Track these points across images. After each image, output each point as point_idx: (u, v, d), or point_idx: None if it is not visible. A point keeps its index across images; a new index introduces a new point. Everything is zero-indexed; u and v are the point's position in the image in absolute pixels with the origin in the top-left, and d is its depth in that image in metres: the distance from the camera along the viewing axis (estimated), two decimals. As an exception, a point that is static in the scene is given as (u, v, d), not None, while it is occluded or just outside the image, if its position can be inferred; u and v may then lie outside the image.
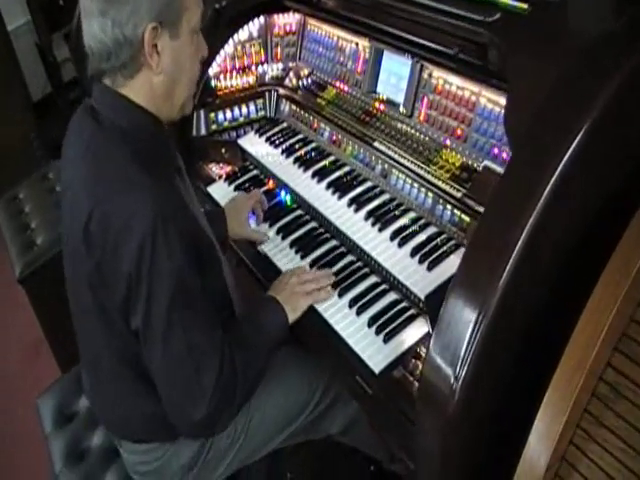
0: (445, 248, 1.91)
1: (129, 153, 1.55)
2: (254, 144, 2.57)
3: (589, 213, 1.46)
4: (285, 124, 2.64)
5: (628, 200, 1.39)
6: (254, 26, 2.69)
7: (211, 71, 2.62)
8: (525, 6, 1.73)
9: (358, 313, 1.90)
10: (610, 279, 1.24)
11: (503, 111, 1.80)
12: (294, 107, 2.61)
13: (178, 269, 1.52)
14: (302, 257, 2.13)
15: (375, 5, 2.14)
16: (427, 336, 1.81)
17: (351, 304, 1.92)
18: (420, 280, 1.85)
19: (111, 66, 1.54)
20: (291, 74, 2.71)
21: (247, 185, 2.49)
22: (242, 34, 2.68)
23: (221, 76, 2.67)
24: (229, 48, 2.66)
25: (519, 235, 1.31)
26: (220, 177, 2.56)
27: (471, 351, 1.34)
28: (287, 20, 2.71)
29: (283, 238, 2.21)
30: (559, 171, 1.31)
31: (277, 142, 2.52)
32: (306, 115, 2.54)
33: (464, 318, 1.35)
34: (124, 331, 1.62)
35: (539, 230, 1.31)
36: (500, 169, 1.87)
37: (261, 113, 2.74)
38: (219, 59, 2.65)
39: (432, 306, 1.78)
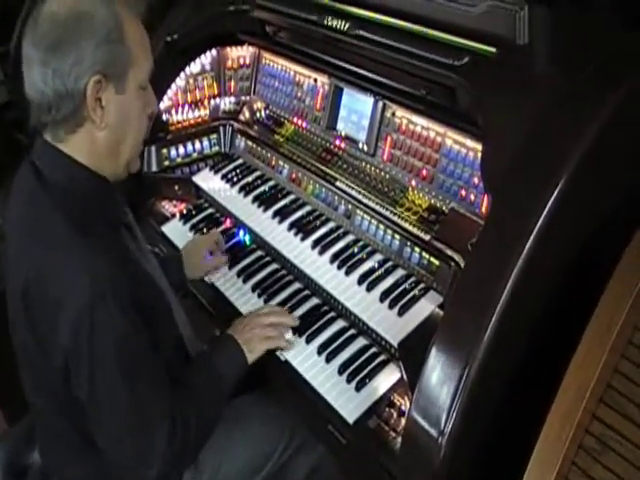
0: (415, 292, 1.94)
1: (69, 216, 1.49)
2: (209, 181, 2.57)
3: (571, 264, 1.52)
4: (241, 160, 2.64)
5: (610, 250, 1.44)
6: (206, 59, 2.71)
7: (162, 105, 2.62)
8: (493, 49, 1.78)
9: (328, 360, 1.91)
10: (594, 334, 1.29)
11: (470, 153, 1.88)
12: (250, 143, 2.63)
13: (120, 339, 1.49)
14: (265, 301, 2.12)
15: (335, 41, 2.17)
16: (400, 382, 1.83)
17: (320, 351, 1.93)
18: (391, 326, 1.87)
19: (52, 119, 1.50)
20: (245, 108, 2.72)
21: (203, 224, 2.48)
22: (194, 67, 2.69)
23: (173, 110, 2.67)
24: (181, 81, 2.67)
25: (502, 289, 1.35)
26: (174, 215, 2.55)
27: (457, 407, 1.37)
28: (240, 53, 2.74)
29: (244, 281, 2.20)
30: (540, 223, 1.36)
31: (234, 179, 2.53)
32: (263, 152, 2.55)
33: (449, 374, 1.38)
34: (66, 398, 1.58)
35: (522, 283, 1.36)
36: (467, 212, 1.92)
37: (215, 149, 2.74)
38: (170, 93, 2.65)
39: (406, 353, 1.82)
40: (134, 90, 1.55)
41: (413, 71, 1.91)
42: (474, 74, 1.75)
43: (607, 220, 1.60)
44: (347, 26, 2.06)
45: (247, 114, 2.70)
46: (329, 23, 2.12)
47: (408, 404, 1.75)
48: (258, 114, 2.64)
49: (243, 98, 2.76)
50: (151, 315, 1.57)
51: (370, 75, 2.13)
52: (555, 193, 1.39)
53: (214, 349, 1.87)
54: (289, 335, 1.98)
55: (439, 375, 1.41)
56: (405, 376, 1.79)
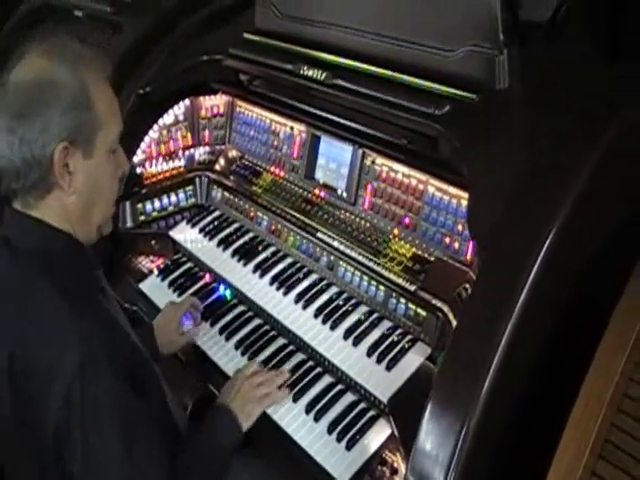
0: (402, 344, 1.95)
1: (48, 285, 1.48)
2: (187, 235, 2.57)
3: (566, 316, 1.53)
4: (218, 212, 2.65)
5: (605, 298, 1.46)
6: (179, 109, 2.72)
7: (136, 158, 2.62)
8: (473, 95, 1.81)
9: (316, 419, 1.90)
10: (592, 389, 1.29)
11: (453, 200, 1.89)
12: (227, 194, 2.63)
13: (114, 402, 1.46)
14: (249, 359, 2.11)
15: (311, 90, 2.19)
16: (391, 438, 1.82)
17: (308, 409, 1.92)
18: (380, 382, 1.87)
19: (21, 186, 1.50)
20: (221, 158, 2.73)
21: (182, 280, 2.47)
22: (167, 118, 2.70)
23: (147, 163, 2.67)
24: (154, 133, 2.67)
25: (497, 347, 1.36)
26: (152, 272, 2.54)
27: (454, 469, 1.37)
28: (214, 102, 2.75)
29: (227, 339, 2.19)
30: (532, 278, 1.38)
31: (212, 232, 2.53)
32: (241, 203, 2.56)
33: (445, 437, 1.39)
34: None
35: (516, 339, 1.38)
36: (453, 260, 1.93)
37: (191, 200, 2.75)
38: (144, 145, 2.65)
39: (396, 409, 1.82)
40: (103, 154, 1.56)
41: (393, 120, 1.93)
42: (456, 123, 1.77)
43: (600, 266, 1.62)
44: (324, 75, 2.09)
45: (223, 164, 2.71)
46: (305, 73, 2.15)
47: (400, 461, 1.75)
48: (234, 164, 2.65)
49: (218, 148, 2.77)
50: (141, 379, 1.56)
51: (349, 124, 2.15)
52: (546, 245, 1.41)
53: (210, 423, 1.85)
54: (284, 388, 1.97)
55: (435, 439, 1.41)
56: (396, 432, 1.79)
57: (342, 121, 2.18)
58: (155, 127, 2.66)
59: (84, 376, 1.42)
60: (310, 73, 2.13)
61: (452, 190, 1.95)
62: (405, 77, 1.95)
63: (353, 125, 2.14)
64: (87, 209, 1.59)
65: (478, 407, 1.36)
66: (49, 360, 1.44)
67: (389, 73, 1.99)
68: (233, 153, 2.71)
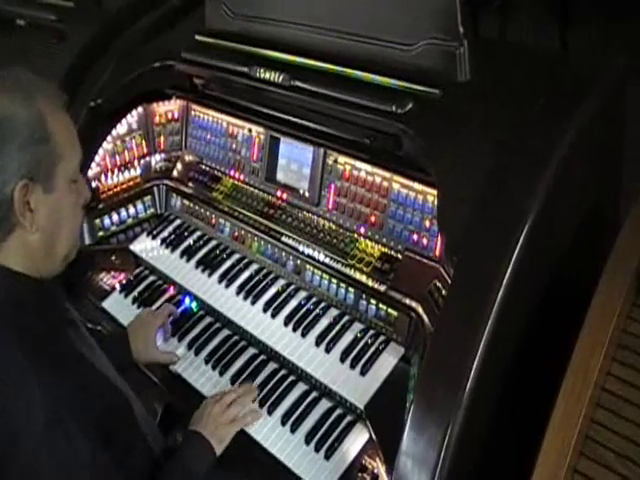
0: (376, 346, 1.97)
1: (11, 340, 1.43)
2: (148, 248, 2.55)
3: (541, 318, 1.56)
4: (179, 221, 2.64)
5: (578, 300, 1.48)
6: (133, 117, 2.69)
7: (90, 172, 2.59)
8: (435, 90, 1.82)
9: (292, 430, 1.91)
10: (571, 389, 1.32)
11: (419, 196, 1.93)
12: (186, 202, 2.62)
13: (84, 461, 1.44)
14: (220, 373, 2.11)
15: (269, 93, 2.18)
16: (369, 443, 1.85)
17: (283, 421, 1.93)
18: (355, 387, 1.88)
19: None
20: (178, 165, 2.72)
21: (146, 295, 2.45)
22: (120, 128, 2.67)
23: (102, 176, 2.64)
24: (107, 144, 2.65)
25: (474, 354, 1.39)
26: (114, 288, 2.52)
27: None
28: (168, 107, 2.74)
29: (196, 353, 2.18)
30: (505, 282, 1.41)
31: (173, 243, 2.52)
32: (201, 210, 2.55)
33: (426, 448, 1.42)
34: None
35: (493, 344, 1.41)
36: (421, 257, 1.95)
37: (150, 211, 2.73)
38: (98, 158, 2.62)
39: (373, 414, 1.83)
40: (64, 185, 1.53)
41: (355, 120, 1.93)
42: (419, 121, 1.78)
43: (572, 262, 1.65)
44: (281, 77, 2.07)
45: (180, 170, 2.70)
46: (262, 75, 2.13)
47: (380, 466, 1.77)
48: (192, 170, 2.64)
49: (174, 154, 2.76)
50: (114, 422, 1.55)
51: (309, 124, 2.15)
52: (518, 245, 1.45)
53: (183, 450, 1.84)
54: (254, 405, 1.98)
55: (418, 447, 1.44)
56: (374, 437, 1.81)
57: (302, 122, 2.18)
58: (109, 138, 2.63)
59: (53, 436, 1.39)
60: (267, 75, 2.12)
61: (417, 186, 1.96)
62: (365, 74, 1.95)
63: (313, 126, 2.14)
64: (51, 244, 1.56)
65: (460, 413, 1.39)
66: (15, 421, 1.40)
67: (348, 71, 1.99)
68: (190, 158, 2.70)
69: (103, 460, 1.48)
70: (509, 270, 1.46)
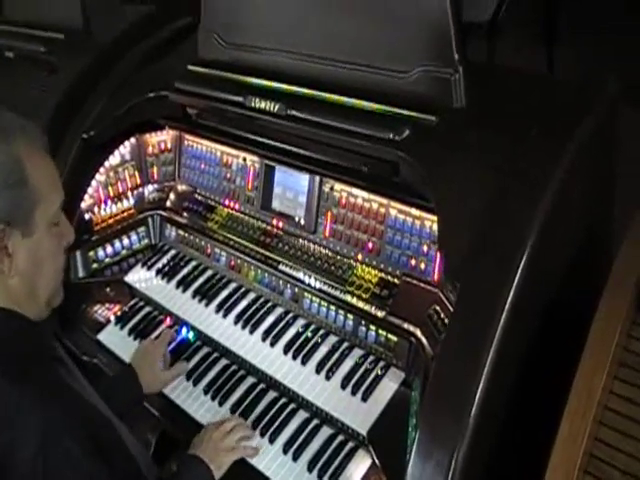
0: (376, 371, 1.99)
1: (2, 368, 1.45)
2: (143, 279, 2.57)
3: (544, 338, 1.59)
4: (174, 251, 2.66)
5: (579, 322, 1.52)
6: (125, 148, 2.72)
7: (84, 204, 2.61)
8: (432, 117, 1.85)
9: (295, 458, 1.92)
10: (575, 409, 1.34)
11: (416, 221, 1.96)
12: (181, 232, 2.64)
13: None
14: (220, 403, 2.13)
15: (263, 122, 2.19)
16: (372, 468, 1.86)
17: (285, 449, 1.94)
18: (357, 414, 1.90)
19: None
20: (172, 195, 2.75)
21: (142, 326, 2.46)
22: (113, 159, 2.70)
23: (95, 208, 2.66)
24: (100, 176, 2.67)
25: (479, 378, 1.43)
26: (109, 321, 2.53)
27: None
28: (161, 137, 2.77)
29: (195, 384, 2.20)
30: (508, 306, 1.44)
31: (169, 274, 2.53)
32: (196, 240, 2.57)
33: (436, 475, 1.42)
34: None
35: (497, 368, 1.44)
36: (420, 281, 1.98)
37: (145, 242, 2.75)
38: (90, 190, 2.64)
39: (376, 439, 1.85)
40: (44, 229, 1.52)
41: (352, 148, 1.95)
42: (417, 148, 1.80)
43: (573, 285, 1.68)
44: (277, 107, 2.09)
45: (174, 200, 2.72)
46: (257, 105, 2.14)
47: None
48: (186, 200, 2.67)
49: (167, 184, 2.79)
50: (106, 450, 1.54)
51: (304, 153, 2.18)
52: (519, 270, 1.48)
53: (182, 473, 1.86)
54: (255, 440, 1.99)
55: (424, 475, 1.44)
56: (377, 462, 1.82)
57: (297, 150, 2.20)
58: (101, 169, 2.66)
59: (46, 458, 1.40)
60: (262, 105, 2.12)
61: (414, 212, 2.00)
62: (360, 102, 1.97)
63: (309, 154, 2.17)
64: (32, 288, 1.56)
65: (465, 438, 1.41)
66: (9, 448, 1.40)
67: (343, 99, 2.01)
68: (184, 188, 2.73)
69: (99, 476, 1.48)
70: (511, 295, 1.48)
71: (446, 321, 1.80)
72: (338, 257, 2.18)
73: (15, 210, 1.45)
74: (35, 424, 1.40)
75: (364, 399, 1.92)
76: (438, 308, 1.88)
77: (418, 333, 1.91)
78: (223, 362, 2.27)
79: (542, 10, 3.38)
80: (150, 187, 2.80)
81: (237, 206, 2.52)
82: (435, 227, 1.94)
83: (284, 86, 2.18)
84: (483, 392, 1.44)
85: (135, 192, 2.77)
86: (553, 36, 3.14)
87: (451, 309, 1.75)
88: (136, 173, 2.77)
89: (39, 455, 1.39)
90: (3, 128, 1.48)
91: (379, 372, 1.98)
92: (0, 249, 1.45)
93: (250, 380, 2.18)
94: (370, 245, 2.11)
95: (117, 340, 2.45)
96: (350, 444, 1.94)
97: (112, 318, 2.54)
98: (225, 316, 2.29)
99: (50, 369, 1.58)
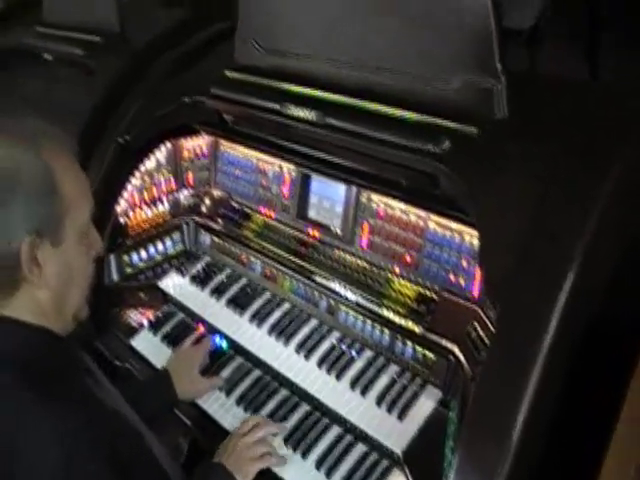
0: (413, 388, 1.96)
1: (28, 386, 1.42)
2: (177, 285, 2.57)
3: (588, 361, 1.54)
4: (208, 258, 2.65)
5: (628, 342, 1.47)
6: (161, 153, 2.72)
7: (118, 208, 2.61)
8: (473, 129, 1.80)
9: (328, 475, 1.90)
10: (620, 444, 1.30)
11: (455, 235, 1.93)
12: (216, 239, 2.63)
13: None
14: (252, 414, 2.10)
15: (300, 130, 2.17)
16: (407, 489, 1.82)
17: (318, 465, 1.92)
18: (392, 432, 1.87)
19: None
20: (207, 200, 2.74)
21: (176, 333, 2.46)
22: (148, 163, 2.69)
23: (130, 212, 2.66)
24: (135, 180, 2.66)
25: (521, 404, 1.38)
26: (142, 325, 2.52)
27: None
28: (197, 142, 2.76)
29: (227, 394, 2.18)
30: (552, 330, 1.40)
31: (203, 281, 2.53)
32: (231, 247, 2.56)
33: None
34: None
35: (540, 396, 1.39)
36: (459, 298, 1.94)
37: (179, 247, 2.75)
38: (126, 194, 2.64)
39: (411, 459, 1.82)
40: (74, 238, 1.51)
41: (390, 159, 1.91)
42: (458, 161, 1.75)
43: (620, 307, 1.63)
44: (314, 115, 2.05)
45: (209, 206, 2.71)
46: (294, 113, 2.11)
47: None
48: (221, 206, 2.65)
49: (203, 190, 2.79)
50: (131, 463, 1.52)
51: (342, 162, 2.15)
52: (564, 292, 1.43)
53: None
54: (282, 450, 1.96)
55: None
56: (411, 480, 1.79)
57: (334, 159, 2.17)
58: (136, 174, 2.65)
59: (69, 475, 1.38)
60: (299, 113, 2.09)
61: (454, 225, 1.96)
62: (400, 111, 1.93)
63: (346, 163, 2.14)
64: (61, 299, 1.54)
65: (507, 465, 1.37)
66: (31, 464, 1.39)
67: (382, 108, 1.96)
68: (219, 194, 2.72)
69: None
70: (555, 316, 1.44)
71: (485, 339, 1.77)
72: (375, 269, 2.15)
73: (45, 220, 1.44)
74: (57, 440, 1.39)
75: (400, 417, 1.89)
76: (477, 326, 1.84)
77: (456, 351, 1.87)
78: (256, 373, 2.25)
79: (585, 16, 3.31)
80: (185, 192, 2.79)
81: (273, 214, 2.50)
82: (475, 242, 1.90)
83: (322, 94, 2.13)
84: (525, 417, 1.40)
85: (170, 197, 2.76)
86: (596, 44, 3.07)
87: (491, 327, 1.73)
88: (171, 178, 2.76)
89: (62, 470, 1.38)
90: (31, 136, 1.47)
91: (416, 390, 1.95)
92: (30, 260, 1.43)
93: (283, 392, 2.16)
94: (408, 258, 2.08)
95: (150, 346, 2.44)
96: (384, 463, 1.90)
97: (145, 323, 2.53)
98: (259, 326, 2.28)
99: (77, 382, 1.56)
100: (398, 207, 2.10)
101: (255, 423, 1.99)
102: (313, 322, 2.25)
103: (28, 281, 1.46)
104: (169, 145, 2.73)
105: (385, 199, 2.13)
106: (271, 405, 2.13)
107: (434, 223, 2.01)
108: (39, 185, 1.42)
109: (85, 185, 1.57)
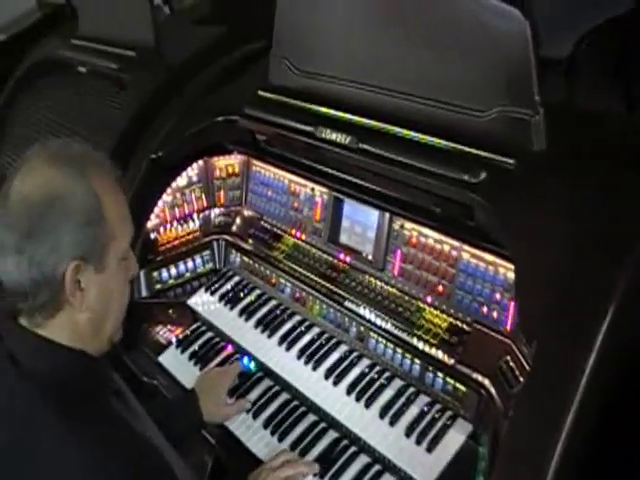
0: (443, 421, 1.94)
1: (52, 411, 1.42)
2: (206, 304, 2.57)
3: (626, 401, 1.53)
4: (237, 278, 2.65)
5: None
6: (193, 170, 2.74)
7: (149, 224, 2.63)
8: (510, 160, 1.79)
9: (355, 504, 1.89)
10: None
11: (489, 267, 1.91)
12: (246, 259, 2.63)
13: None
14: (280, 439, 2.10)
15: (333, 154, 2.17)
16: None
17: (345, 494, 1.91)
18: (421, 464, 1.85)
19: (28, 307, 1.47)
20: (238, 220, 2.74)
21: (203, 352, 2.46)
22: (180, 180, 2.71)
23: (161, 228, 2.68)
24: (167, 197, 2.69)
25: (557, 441, 1.36)
26: (170, 342, 2.53)
27: None
28: (229, 161, 2.77)
29: (255, 417, 2.18)
30: (589, 370, 1.38)
31: (232, 301, 2.53)
32: (261, 268, 2.56)
33: None
34: None
35: (576, 432, 1.37)
36: (492, 331, 1.93)
37: (209, 266, 2.76)
38: (157, 209, 2.66)
39: (440, 495, 1.80)
40: (115, 264, 1.53)
41: (424, 187, 1.91)
42: (494, 193, 1.74)
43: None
44: (348, 139, 2.06)
45: (240, 226, 2.72)
46: (327, 136, 2.12)
47: None
48: (252, 226, 2.66)
49: (234, 209, 2.79)
50: None
51: (375, 188, 2.15)
52: (603, 330, 1.41)
53: None
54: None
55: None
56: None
57: (367, 185, 2.17)
58: (168, 190, 2.67)
59: None
60: (333, 136, 2.10)
61: (488, 257, 1.94)
62: (436, 140, 1.93)
63: (379, 189, 2.14)
64: (99, 323, 1.56)
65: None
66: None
67: (418, 135, 1.97)
68: (250, 214, 2.73)
69: None
70: (591, 359, 1.43)
71: (517, 374, 1.75)
72: (406, 298, 2.14)
73: (92, 246, 1.46)
74: (83, 462, 1.39)
75: (429, 450, 1.87)
76: (510, 360, 1.82)
77: (488, 385, 1.86)
78: (284, 396, 2.24)
79: (621, 48, 3.27)
80: (216, 210, 2.80)
81: (304, 237, 2.50)
82: (509, 275, 1.89)
83: (356, 118, 2.14)
84: (561, 456, 1.38)
85: (201, 215, 2.78)
86: (633, 75, 3.04)
87: (524, 362, 1.71)
88: (203, 196, 2.78)
89: None
90: (80, 161, 1.49)
91: (446, 422, 1.94)
92: (73, 284, 1.45)
93: (311, 418, 2.15)
94: (440, 288, 2.06)
95: (177, 364, 2.45)
96: (412, 496, 1.89)
97: (174, 340, 2.54)
98: (288, 349, 2.27)
99: (106, 405, 1.56)
100: (431, 236, 2.09)
101: (287, 459, 1.98)
102: (343, 348, 2.24)
103: (69, 304, 1.48)
104: (201, 163, 2.74)
105: (418, 227, 2.12)
106: (299, 430, 2.12)
107: (468, 254, 2.00)
108: (88, 212, 1.44)
109: (127, 211, 1.59)
